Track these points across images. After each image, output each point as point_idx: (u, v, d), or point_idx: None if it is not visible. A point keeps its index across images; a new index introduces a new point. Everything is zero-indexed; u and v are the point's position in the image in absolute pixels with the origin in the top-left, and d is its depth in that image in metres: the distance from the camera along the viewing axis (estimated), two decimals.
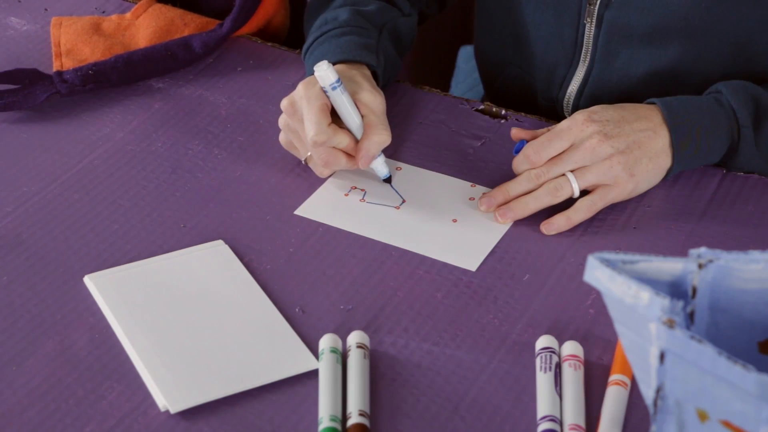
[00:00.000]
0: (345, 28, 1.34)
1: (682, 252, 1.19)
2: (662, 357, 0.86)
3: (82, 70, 1.39)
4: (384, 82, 1.36)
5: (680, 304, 0.84)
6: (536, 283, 1.17)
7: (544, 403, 1.04)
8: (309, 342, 1.10)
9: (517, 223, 1.24)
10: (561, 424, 1.03)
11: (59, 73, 1.39)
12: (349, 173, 1.29)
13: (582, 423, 1.02)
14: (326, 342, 1.08)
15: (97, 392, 1.05)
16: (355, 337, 1.09)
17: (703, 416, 0.86)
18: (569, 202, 1.23)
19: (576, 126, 1.23)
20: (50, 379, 1.06)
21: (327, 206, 1.26)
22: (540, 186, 1.23)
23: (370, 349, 1.09)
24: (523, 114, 1.38)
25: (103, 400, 1.05)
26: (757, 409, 0.81)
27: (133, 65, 1.41)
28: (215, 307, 1.13)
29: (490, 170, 1.30)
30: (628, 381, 1.05)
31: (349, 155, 1.24)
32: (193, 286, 1.15)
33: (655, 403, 0.89)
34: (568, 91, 1.41)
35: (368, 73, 1.30)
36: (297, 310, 1.14)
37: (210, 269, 1.17)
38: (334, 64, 1.28)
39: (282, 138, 1.28)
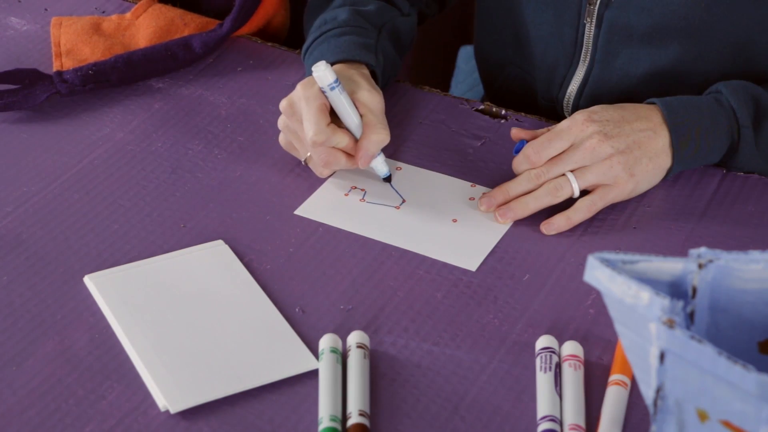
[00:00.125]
0: (344, 27, 1.34)
1: (682, 252, 1.19)
2: (662, 357, 0.86)
3: (82, 70, 1.39)
4: (383, 81, 1.36)
5: (680, 304, 0.84)
6: (536, 283, 1.17)
7: (544, 403, 1.04)
8: (309, 342, 1.10)
9: (517, 223, 1.24)
10: (561, 424, 1.03)
11: (59, 73, 1.39)
12: (349, 173, 1.29)
13: (582, 423, 1.02)
14: (326, 342, 1.08)
15: (97, 392, 1.05)
16: (355, 337, 1.09)
17: (703, 416, 0.86)
18: (569, 202, 1.23)
19: (576, 126, 1.23)
20: (50, 379, 1.06)
21: (327, 206, 1.26)
22: (540, 186, 1.23)
23: (370, 349, 1.09)
24: (523, 114, 1.38)
25: (103, 400, 1.05)
26: (757, 409, 0.81)
27: (133, 65, 1.41)
28: (215, 307, 1.13)
29: (490, 170, 1.30)
30: (628, 381, 1.05)
31: (349, 155, 1.24)
32: (193, 286, 1.15)
33: (655, 403, 0.89)
34: (568, 91, 1.41)
35: (367, 72, 1.30)
36: (297, 310, 1.14)
37: (210, 269, 1.17)
38: (333, 63, 1.28)
39: (281, 139, 1.28)
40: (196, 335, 1.10)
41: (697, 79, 1.33)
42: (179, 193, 1.27)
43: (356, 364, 1.06)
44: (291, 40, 1.56)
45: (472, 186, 1.28)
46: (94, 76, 1.39)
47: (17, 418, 1.03)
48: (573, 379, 1.06)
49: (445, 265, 1.19)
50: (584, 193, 1.23)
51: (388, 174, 1.27)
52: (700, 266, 0.89)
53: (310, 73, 1.28)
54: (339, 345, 1.09)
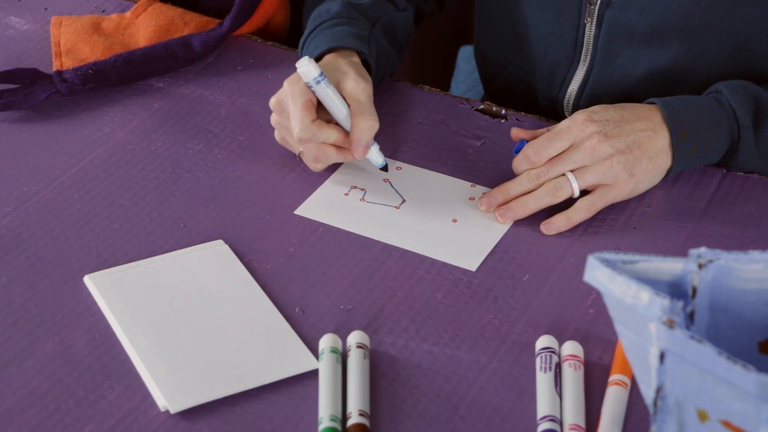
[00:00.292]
0: (337, 19, 1.34)
1: (682, 252, 1.19)
2: (662, 357, 0.86)
3: (82, 69, 1.39)
4: (378, 74, 1.36)
5: (680, 304, 0.84)
6: (536, 283, 1.17)
7: (544, 403, 1.04)
8: (309, 342, 1.10)
9: (517, 223, 1.24)
10: (561, 424, 1.03)
11: (59, 73, 1.39)
12: (348, 172, 1.29)
13: (582, 423, 1.02)
14: (326, 342, 1.08)
15: (97, 392, 1.05)
16: (355, 337, 1.09)
17: (703, 416, 0.86)
18: (569, 202, 1.23)
19: (576, 126, 1.23)
20: (50, 379, 1.06)
21: (327, 206, 1.26)
22: (540, 186, 1.23)
23: (370, 349, 1.09)
24: (523, 114, 1.38)
25: (103, 400, 1.05)
26: (757, 409, 0.81)
27: (132, 64, 1.41)
28: (215, 307, 1.13)
29: (490, 170, 1.30)
30: (628, 381, 1.05)
31: (340, 148, 1.25)
32: (193, 286, 1.15)
33: (655, 403, 0.89)
34: (569, 90, 1.41)
35: (357, 60, 1.30)
36: (297, 310, 1.14)
37: (210, 269, 1.17)
38: (324, 53, 1.29)
39: (276, 135, 1.29)
40: (196, 335, 1.10)
41: (697, 79, 1.33)
42: (179, 193, 1.27)
43: (356, 364, 1.06)
44: (291, 39, 1.56)
45: (472, 186, 1.28)
46: (94, 76, 1.39)
47: (17, 418, 1.03)
48: (573, 379, 1.06)
49: (445, 265, 1.19)
50: (584, 193, 1.23)
51: (384, 164, 1.27)
52: (700, 266, 0.89)
53: None
54: (339, 345, 1.09)
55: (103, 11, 1.54)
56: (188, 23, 1.48)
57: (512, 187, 1.24)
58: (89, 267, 1.18)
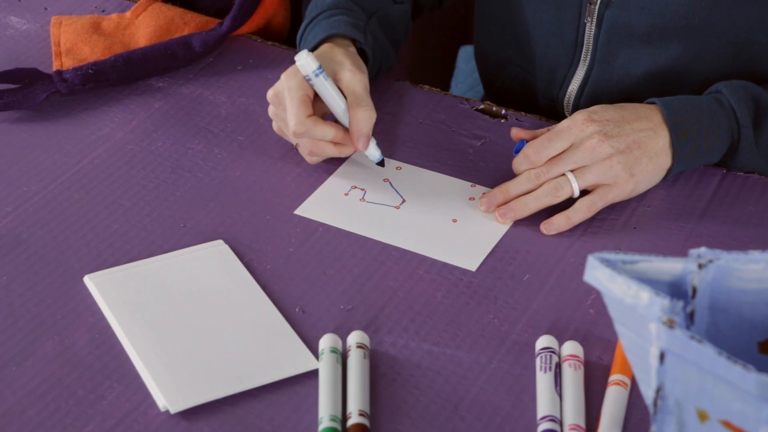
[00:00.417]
0: (333, 10, 1.34)
1: (682, 252, 1.19)
2: (662, 357, 0.86)
3: (82, 69, 1.39)
4: (375, 66, 1.36)
5: (680, 304, 0.84)
6: (536, 283, 1.17)
7: (544, 403, 1.04)
8: (309, 342, 1.10)
9: (517, 223, 1.24)
10: (561, 424, 1.03)
11: (59, 73, 1.39)
12: (348, 172, 1.29)
13: (582, 423, 1.02)
14: (326, 342, 1.08)
15: (97, 392, 1.05)
16: (355, 337, 1.09)
17: (703, 416, 0.86)
18: (569, 202, 1.23)
19: (576, 126, 1.23)
20: (50, 379, 1.06)
21: (327, 206, 1.26)
22: (540, 186, 1.23)
23: (370, 349, 1.09)
24: (523, 114, 1.38)
25: (103, 400, 1.05)
26: (757, 409, 0.81)
27: (132, 64, 1.41)
28: (215, 307, 1.13)
29: (490, 170, 1.30)
30: (628, 381, 1.05)
31: (336, 143, 1.25)
32: (193, 286, 1.15)
33: (655, 403, 0.89)
34: (569, 90, 1.41)
35: (353, 50, 1.30)
36: (297, 310, 1.14)
37: (210, 269, 1.17)
38: (321, 43, 1.29)
39: (274, 126, 1.30)
40: (196, 335, 1.10)
41: (697, 79, 1.33)
42: (179, 192, 1.27)
43: (356, 364, 1.06)
44: (291, 39, 1.56)
45: (472, 186, 1.28)
46: (93, 76, 1.39)
47: (17, 418, 1.03)
48: (573, 379, 1.06)
49: (445, 265, 1.19)
50: (584, 193, 1.23)
51: (381, 159, 1.27)
52: (700, 266, 0.89)
53: None
54: (339, 345, 1.09)
55: (103, 11, 1.54)
56: (188, 23, 1.48)
57: (512, 187, 1.24)
58: (89, 267, 1.18)
